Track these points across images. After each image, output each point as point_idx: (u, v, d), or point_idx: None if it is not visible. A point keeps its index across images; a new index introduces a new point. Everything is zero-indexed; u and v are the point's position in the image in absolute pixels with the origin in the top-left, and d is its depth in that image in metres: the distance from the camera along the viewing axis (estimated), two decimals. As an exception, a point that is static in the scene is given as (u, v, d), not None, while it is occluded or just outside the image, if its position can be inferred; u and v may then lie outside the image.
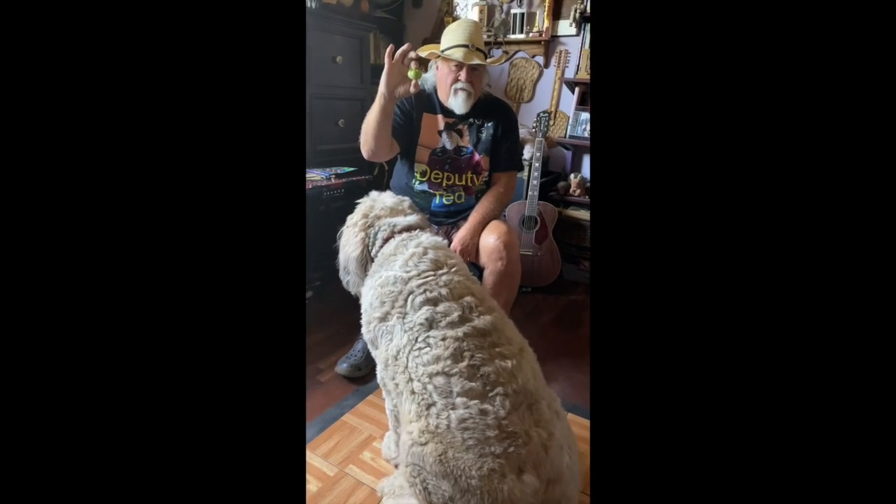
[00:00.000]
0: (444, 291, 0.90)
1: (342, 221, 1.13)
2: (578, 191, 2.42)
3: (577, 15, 2.33)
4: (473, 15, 2.64)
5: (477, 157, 1.56)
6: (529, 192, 2.16)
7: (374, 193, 1.16)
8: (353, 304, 1.64)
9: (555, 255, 2.25)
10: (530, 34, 2.52)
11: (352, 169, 2.09)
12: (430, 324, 0.87)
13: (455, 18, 2.68)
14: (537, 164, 2.12)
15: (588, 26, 2.31)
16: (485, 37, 2.54)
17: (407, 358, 0.87)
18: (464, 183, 1.56)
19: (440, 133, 1.53)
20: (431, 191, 1.56)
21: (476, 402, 0.79)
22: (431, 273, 0.92)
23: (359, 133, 1.46)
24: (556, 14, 2.45)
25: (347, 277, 1.12)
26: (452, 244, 1.51)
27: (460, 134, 1.55)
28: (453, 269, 0.95)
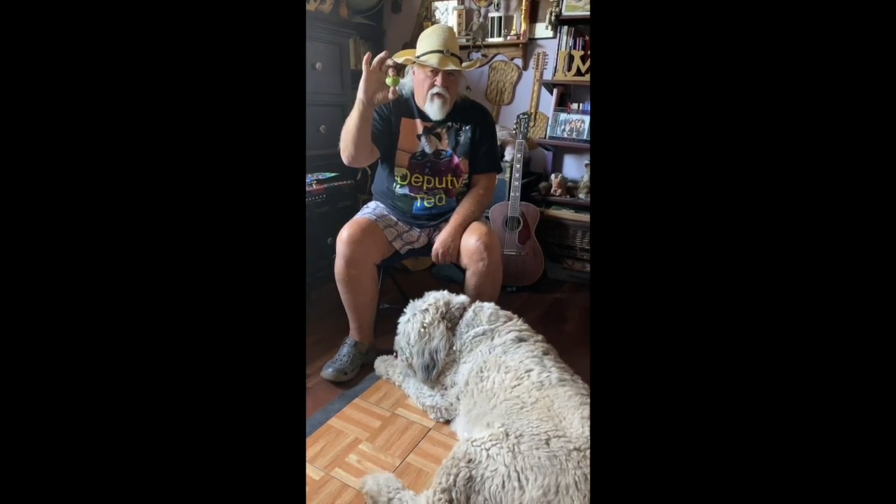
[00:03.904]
0: (525, 335, 1.30)
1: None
2: (559, 190, 2.45)
3: (553, 18, 2.36)
4: (452, 19, 2.66)
5: (456, 160, 1.58)
6: (512, 194, 2.19)
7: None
8: (337, 309, 1.66)
9: (538, 254, 2.28)
10: (508, 37, 2.55)
11: (333, 174, 2.09)
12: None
13: (434, 23, 2.71)
14: (518, 166, 2.15)
15: (564, 28, 2.35)
16: (463, 40, 2.57)
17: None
18: (444, 186, 1.58)
19: (419, 137, 1.55)
20: (412, 194, 1.58)
21: None
22: (509, 319, 1.34)
23: (340, 139, 1.48)
24: (532, 17, 2.49)
25: (432, 372, 1.34)
26: (434, 246, 1.53)
27: (439, 137, 1.57)
28: (519, 321, 1.35)
